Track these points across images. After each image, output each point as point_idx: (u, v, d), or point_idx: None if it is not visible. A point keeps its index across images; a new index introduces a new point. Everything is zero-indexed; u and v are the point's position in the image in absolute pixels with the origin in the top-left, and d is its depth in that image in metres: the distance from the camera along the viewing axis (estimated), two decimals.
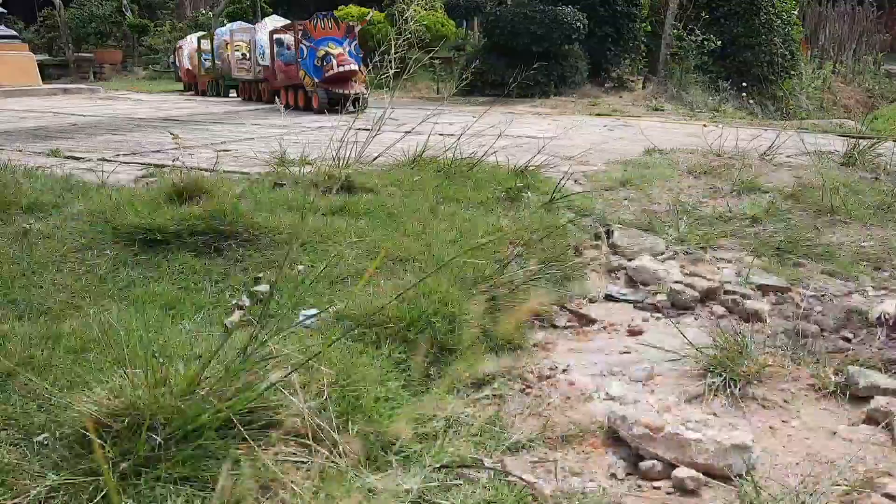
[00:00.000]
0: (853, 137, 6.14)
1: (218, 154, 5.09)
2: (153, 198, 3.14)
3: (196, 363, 1.77)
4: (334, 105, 8.55)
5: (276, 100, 9.14)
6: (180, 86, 16.20)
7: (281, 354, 1.87)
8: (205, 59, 14.04)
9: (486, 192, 3.92)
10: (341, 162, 4.02)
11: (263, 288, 2.51)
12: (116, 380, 1.72)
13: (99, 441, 1.55)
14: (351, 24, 10.31)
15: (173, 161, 4.15)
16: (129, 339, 2.01)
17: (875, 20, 20.67)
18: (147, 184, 3.81)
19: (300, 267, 2.75)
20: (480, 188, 3.98)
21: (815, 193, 4.48)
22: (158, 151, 5.58)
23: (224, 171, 4.27)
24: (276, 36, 10.75)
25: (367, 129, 4.28)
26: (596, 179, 4.69)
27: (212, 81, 13.91)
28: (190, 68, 15.12)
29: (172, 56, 17.85)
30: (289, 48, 10.35)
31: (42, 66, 18.78)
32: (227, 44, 12.59)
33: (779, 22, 13.86)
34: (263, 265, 2.79)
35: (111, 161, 4.98)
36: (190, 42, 15.12)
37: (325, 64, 9.35)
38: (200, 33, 15.37)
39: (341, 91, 9.06)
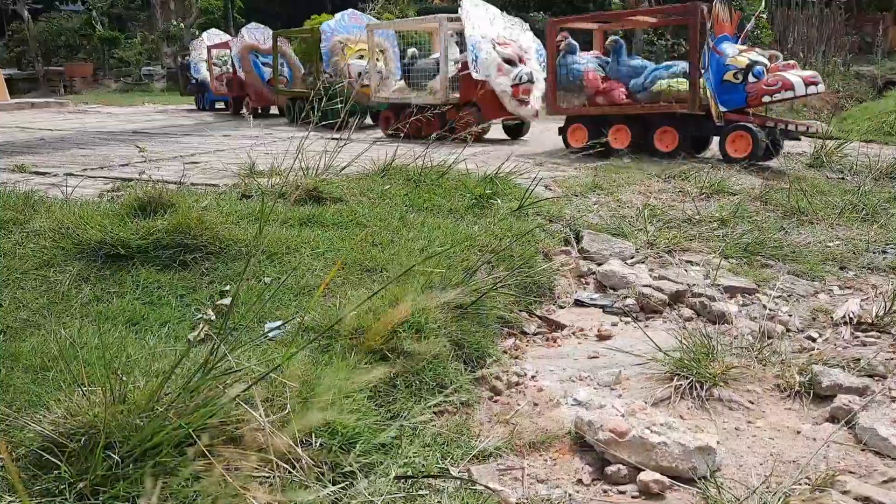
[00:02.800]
0: (821, 139, 6.22)
1: (186, 166, 5.05)
2: (117, 212, 3.11)
3: (156, 379, 1.75)
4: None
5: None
6: (187, 100, 14.15)
7: (243, 368, 1.85)
8: (282, 67, 10.29)
9: (455, 199, 3.93)
10: (310, 172, 4.00)
11: (229, 301, 2.49)
12: (75, 398, 1.69)
13: (55, 461, 1.53)
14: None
15: (140, 174, 4.12)
16: (88, 356, 1.98)
17: (843, 22, 20.99)
18: (112, 198, 3.77)
19: (266, 279, 2.73)
20: (450, 196, 3.98)
21: (782, 195, 4.53)
22: (126, 165, 5.52)
23: (192, 184, 4.24)
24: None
25: (337, 139, 4.27)
26: (566, 185, 4.71)
27: (298, 100, 9.49)
28: (244, 77, 11.06)
29: (184, 58, 14.41)
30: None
31: (11, 81, 18.59)
32: (344, 47, 8.85)
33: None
34: (230, 278, 2.76)
35: (77, 176, 4.93)
36: (243, 38, 11.03)
37: (747, 80, 5.46)
38: (260, 26, 11.36)
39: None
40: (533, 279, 3.17)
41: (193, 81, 13.31)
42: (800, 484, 1.79)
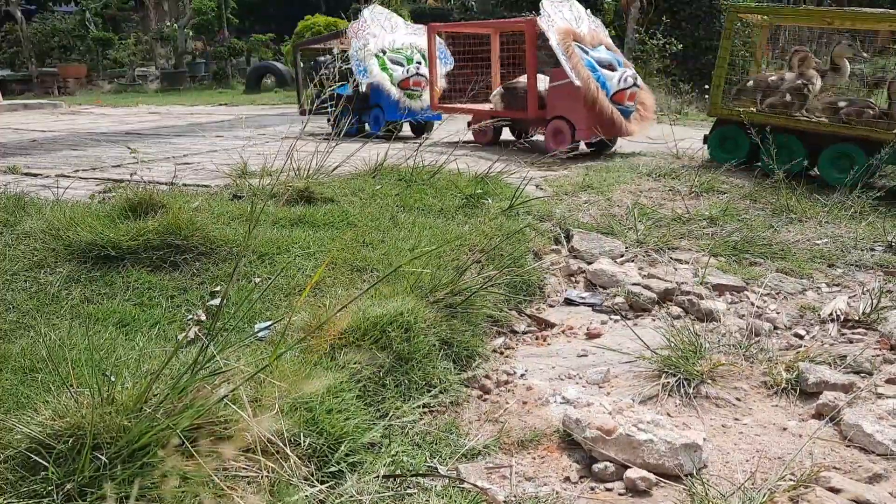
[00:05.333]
0: None
1: (177, 167, 5.05)
2: (108, 213, 3.11)
3: (145, 380, 1.76)
4: None
5: None
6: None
7: (231, 368, 1.86)
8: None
9: (446, 199, 3.94)
10: (302, 172, 4.01)
11: (219, 301, 2.49)
12: (62, 400, 1.70)
13: (42, 462, 1.53)
14: None
15: (132, 175, 4.11)
16: (77, 357, 1.98)
17: None
18: (103, 199, 3.77)
19: (256, 279, 2.74)
20: (441, 196, 3.99)
21: (771, 193, 4.55)
22: (118, 166, 5.52)
23: (183, 185, 4.24)
24: None
25: (329, 139, 4.28)
26: (557, 184, 4.72)
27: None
28: (579, 83, 5.93)
29: (323, 54, 9.25)
30: None
31: (4, 82, 18.55)
32: None
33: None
34: (220, 278, 2.77)
35: (69, 177, 4.92)
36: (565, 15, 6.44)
37: None
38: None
39: None
40: (523, 278, 3.19)
41: (349, 90, 7.74)
42: (785, 480, 1.81)
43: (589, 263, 3.53)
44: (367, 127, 7.41)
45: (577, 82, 5.79)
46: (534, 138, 6.29)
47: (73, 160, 5.97)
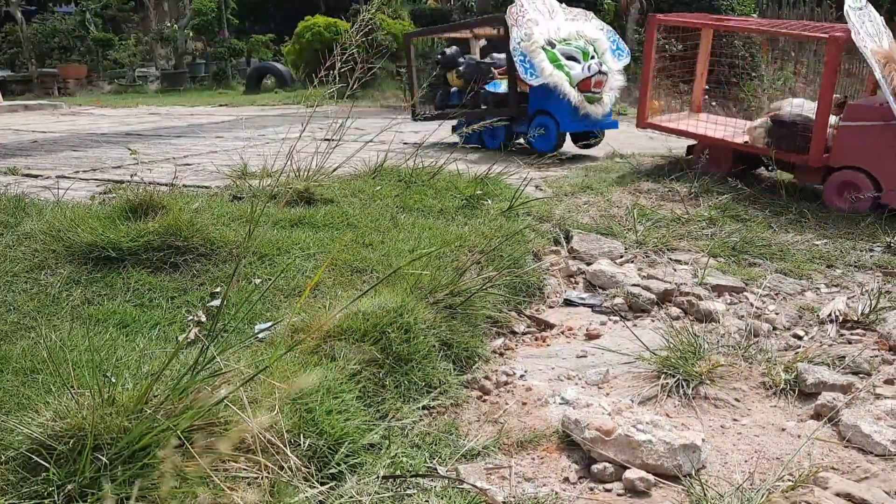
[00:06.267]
0: None
1: (178, 168, 5.06)
2: (108, 214, 3.12)
3: (145, 381, 1.76)
4: None
5: None
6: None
7: (231, 369, 1.87)
8: None
9: (446, 200, 3.94)
10: (302, 173, 4.02)
11: (219, 302, 2.50)
12: (63, 401, 1.70)
13: (43, 463, 1.54)
14: None
15: (132, 176, 4.12)
16: (78, 358, 1.99)
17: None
18: (104, 200, 3.78)
19: (256, 280, 2.75)
20: (441, 197, 4.00)
21: (771, 194, 4.56)
22: (119, 167, 5.53)
23: (183, 186, 4.25)
24: None
25: (330, 140, 4.29)
26: (557, 185, 4.73)
27: None
28: None
29: (450, 47, 7.17)
30: None
31: (4, 83, 18.54)
32: None
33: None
34: (221, 279, 2.78)
35: (70, 178, 4.93)
36: None
37: None
38: None
39: None
40: (522, 279, 3.19)
41: (502, 89, 6.47)
42: (783, 480, 1.81)
43: (588, 264, 3.53)
44: (522, 139, 5.28)
45: None
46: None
47: (74, 161, 5.98)
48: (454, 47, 7.03)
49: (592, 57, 6.01)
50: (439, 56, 6.98)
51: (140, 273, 2.77)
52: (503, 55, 6.49)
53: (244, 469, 1.69)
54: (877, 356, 2.60)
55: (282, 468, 1.68)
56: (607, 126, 6.28)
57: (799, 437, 2.10)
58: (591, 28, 6.32)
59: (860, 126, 4.49)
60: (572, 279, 3.45)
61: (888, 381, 2.40)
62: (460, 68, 6.76)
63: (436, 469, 1.90)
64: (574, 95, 5.76)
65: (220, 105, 14.18)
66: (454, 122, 6.75)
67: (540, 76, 5.76)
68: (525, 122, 6.09)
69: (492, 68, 6.62)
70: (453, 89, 6.91)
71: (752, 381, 2.43)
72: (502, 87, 6.29)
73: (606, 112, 6.06)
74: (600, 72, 5.89)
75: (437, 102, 7.17)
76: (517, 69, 5.86)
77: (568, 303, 3.21)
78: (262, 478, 1.67)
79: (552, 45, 5.96)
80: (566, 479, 1.91)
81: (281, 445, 1.71)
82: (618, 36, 6.45)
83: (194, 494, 1.52)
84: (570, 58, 5.98)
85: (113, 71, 21.46)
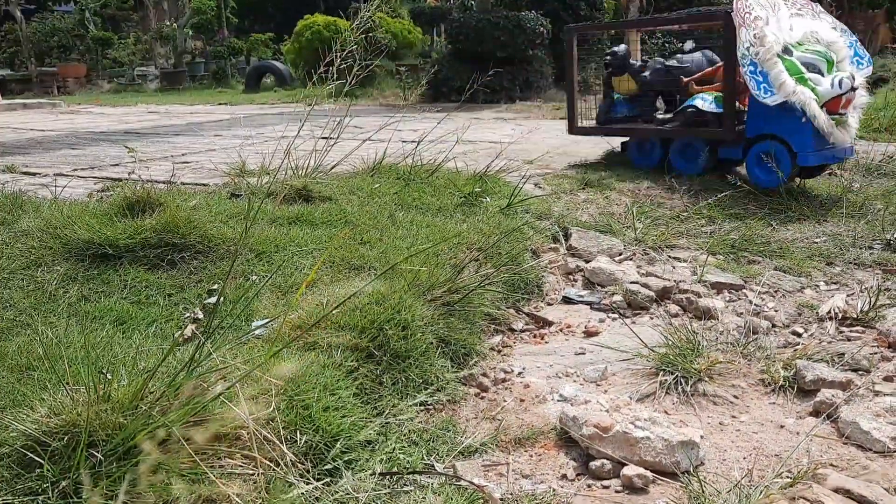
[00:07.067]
0: None
1: (176, 166, 5.05)
2: (105, 212, 3.11)
3: (141, 378, 1.75)
4: None
5: None
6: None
7: (227, 365, 1.86)
8: None
9: (445, 197, 3.93)
10: (300, 171, 4.01)
11: (215, 299, 2.49)
12: (58, 397, 1.70)
13: (38, 460, 1.53)
14: None
15: (130, 174, 4.12)
16: (74, 355, 1.98)
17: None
18: (101, 198, 3.77)
19: (254, 277, 2.74)
20: (440, 194, 3.99)
21: (770, 191, 4.55)
22: (117, 165, 5.52)
23: (182, 183, 4.24)
24: None
25: (328, 138, 4.28)
26: (556, 183, 4.72)
27: None
28: None
29: (621, 45, 5.93)
30: None
31: (3, 82, 18.56)
32: None
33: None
34: (218, 276, 2.77)
35: (67, 176, 4.92)
36: None
37: None
38: None
39: None
40: (521, 276, 3.19)
41: (710, 104, 5.06)
42: (782, 477, 1.81)
43: (587, 262, 3.52)
44: (743, 169, 4.65)
45: None
46: None
47: (72, 159, 5.97)
48: (623, 45, 5.81)
49: (837, 67, 4.62)
50: (607, 56, 5.65)
51: (137, 270, 2.76)
52: (692, 57, 5.45)
53: (239, 465, 1.68)
54: (876, 353, 2.59)
55: (277, 464, 1.68)
56: (848, 155, 4.84)
57: (798, 433, 2.09)
58: (824, 28, 4.84)
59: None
60: (571, 276, 3.45)
61: (887, 378, 2.39)
62: (644, 73, 5.48)
63: (433, 466, 1.90)
64: (823, 119, 4.36)
65: (220, 104, 14.18)
66: (623, 137, 5.66)
67: (778, 93, 4.34)
68: (737, 146, 4.83)
69: (682, 77, 5.35)
70: (617, 96, 5.65)
71: (750, 378, 2.42)
72: (709, 101, 5.00)
73: (853, 137, 4.73)
74: (853, 88, 4.50)
75: (600, 114, 5.74)
76: (747, 83, 4.49)
77: (566, 300, 3.20)
78: (257, 474, 1.66)
79: (789, 53, 4.51)
80: (564, 476, 1.91)
81: (276, 441, 1.70)
82: (855, 38, 4.97)
83: (189, 491, 1.51)
84: (812, 68, 4.51)
85: (112, 70, 21.48)
